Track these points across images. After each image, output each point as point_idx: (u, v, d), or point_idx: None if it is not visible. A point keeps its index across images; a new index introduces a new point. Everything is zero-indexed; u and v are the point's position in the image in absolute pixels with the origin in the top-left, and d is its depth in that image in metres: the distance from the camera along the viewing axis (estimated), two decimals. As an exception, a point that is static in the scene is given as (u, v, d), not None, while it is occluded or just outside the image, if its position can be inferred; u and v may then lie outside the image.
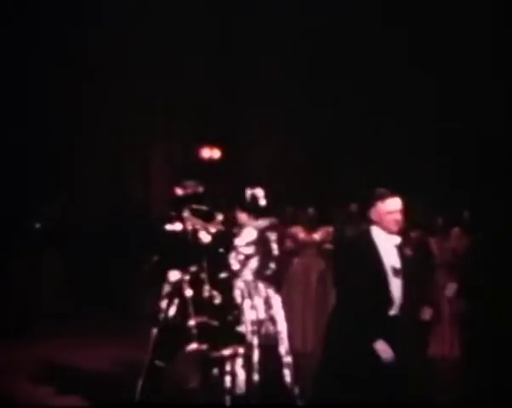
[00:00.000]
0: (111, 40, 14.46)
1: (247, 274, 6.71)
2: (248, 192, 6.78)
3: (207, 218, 6.94)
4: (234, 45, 14.69)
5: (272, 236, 6.79)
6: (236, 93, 14.57)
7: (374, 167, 13.65)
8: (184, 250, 6.83)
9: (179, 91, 14.46)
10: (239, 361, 6.53)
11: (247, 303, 6.66)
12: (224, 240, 6.84)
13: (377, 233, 5.55)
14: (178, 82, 14.38)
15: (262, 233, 6.69)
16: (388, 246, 5.53)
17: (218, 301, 6.84)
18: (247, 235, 6.64)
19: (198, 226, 6.86)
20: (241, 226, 6.70)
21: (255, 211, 6.74)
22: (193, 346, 6.75)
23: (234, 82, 14.64)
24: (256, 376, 6.51)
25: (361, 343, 5.33)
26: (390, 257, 5.49)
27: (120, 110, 14.65)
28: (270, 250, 6.75)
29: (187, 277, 6.78)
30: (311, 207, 10.75)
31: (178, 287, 6.83)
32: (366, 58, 14.06)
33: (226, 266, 6.79)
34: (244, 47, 14.57)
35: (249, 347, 6.58)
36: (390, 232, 5.53)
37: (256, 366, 6.51)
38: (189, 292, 6.76)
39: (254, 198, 6.77)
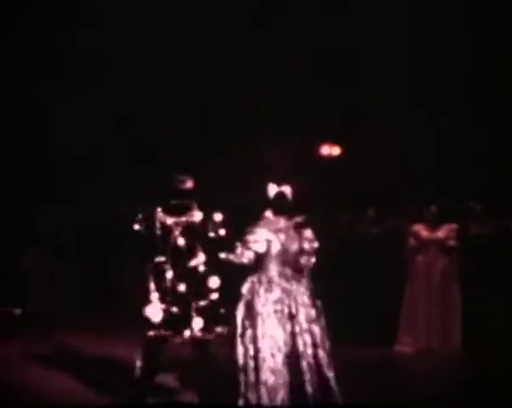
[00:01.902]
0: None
1: (261, 269, 6.58)
2: (275, 189, 6.74)
3: (180, 212, 7.13)
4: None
5: (299, 234, 6.62)
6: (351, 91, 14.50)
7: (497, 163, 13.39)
8: (151, 242, 7.13)
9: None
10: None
11: (253, 298, 6.51)
12: (193, 233, 7.08)
13: None
14: (293, 81, 14.50)
15: (280, 231, 6.59)
16: None
17: (181, 289, 7.06)
18: (258, 232, 6.55)
19: (168, 220, 7.11)
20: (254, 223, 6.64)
21: (280, 209, 6.68)
22: (151, 332, 7.02)
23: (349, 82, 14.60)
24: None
25: None
26: None
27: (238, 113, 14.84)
28: (289, 248, 6.59)
29: (151, 268, 7.12)
30: (434, 204, 10.60)
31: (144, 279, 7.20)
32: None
33: (193, 256, 7.11)
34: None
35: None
36: None
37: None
38: (150, 283, 7.08)
39: (281, 196, 6.72)
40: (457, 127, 14.07)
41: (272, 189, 6.72)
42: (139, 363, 7.08)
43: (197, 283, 7.11)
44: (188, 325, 7.04)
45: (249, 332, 6.43)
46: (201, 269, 7.17)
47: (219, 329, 7.12)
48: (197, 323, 7.06)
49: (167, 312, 7.04)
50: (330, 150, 14.94)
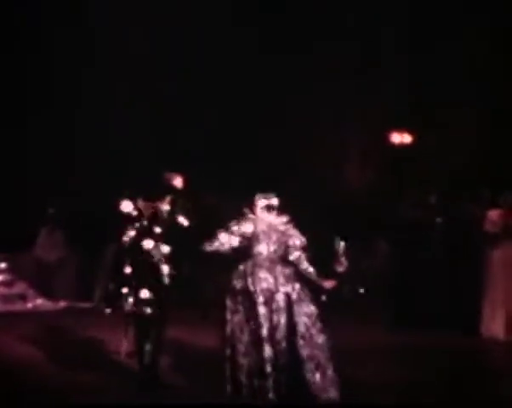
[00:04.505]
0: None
1: (248, 256, 6.97)
2: (264, 203, 7.09)
3: (153, 200, 7.77)
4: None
5: (285, 231, 7.03)
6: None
7: None
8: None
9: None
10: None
11: (240, 283, 6.90)
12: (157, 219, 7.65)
13: None
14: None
15: (263, 222, 7.01)
16: None
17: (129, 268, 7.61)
18: (242, 221, 7.00)
19: (142, 205, 7.74)
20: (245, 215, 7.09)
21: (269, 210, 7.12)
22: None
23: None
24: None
25: None
26: None
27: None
28: (271, 234, 6.98)
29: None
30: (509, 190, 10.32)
31: None
32: None
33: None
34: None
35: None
36: None
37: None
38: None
39: (268, 208, 7.07)
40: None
41: (261, 202, 7.10)
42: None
43: (145, 263, 7.57)
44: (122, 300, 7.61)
45: (235, 316, 6.84)
46: (156, 252, 7.62)
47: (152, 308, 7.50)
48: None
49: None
50: (401, 138, 14.82)
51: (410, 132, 14.83)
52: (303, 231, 7.06)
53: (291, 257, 6.98)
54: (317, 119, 15.31)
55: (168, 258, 7.62)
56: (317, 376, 6.64)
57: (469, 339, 9.83)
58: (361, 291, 13.14)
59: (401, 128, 14.85)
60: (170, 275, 7.59)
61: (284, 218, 7.09)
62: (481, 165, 13.27)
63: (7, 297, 12.68)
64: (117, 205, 7.74)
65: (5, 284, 12.83)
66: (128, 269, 7.59)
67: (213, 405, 6.87)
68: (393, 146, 14.93)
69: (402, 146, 14.85)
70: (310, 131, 15.29)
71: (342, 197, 14.23)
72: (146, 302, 7.47)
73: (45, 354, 8.93)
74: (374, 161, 14.64)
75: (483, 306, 10.22)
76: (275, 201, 7.11)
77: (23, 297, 12.85)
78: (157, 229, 7.61)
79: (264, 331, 6.67)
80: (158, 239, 7.59)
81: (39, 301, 12.97)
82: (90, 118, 15.86)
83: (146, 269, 7.53)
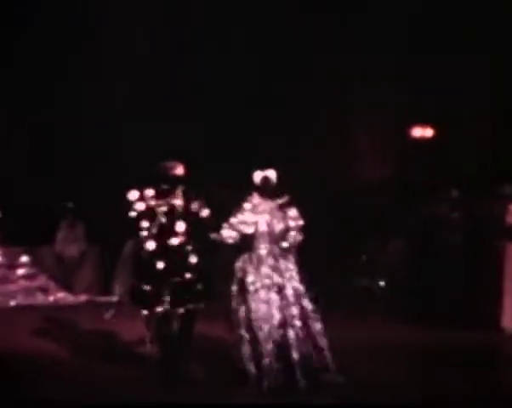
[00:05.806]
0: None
1: (251, 249, 7.16)
2: (260, 175, 7.28)
3: (164, 195, 7.61)
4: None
5: (285, 213, 7.19)
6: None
7: None
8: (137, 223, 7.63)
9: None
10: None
11: (245, 276, 7.10)
12: (174, 214, 7.50)
13: None
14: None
15: (265, 212, 7.17)
16: None
17: (159, 267, 7.42)
18: (244, 214, 7.17)
19: (153, 202, 7.59)
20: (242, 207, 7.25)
21: (265, 192, 7.29)
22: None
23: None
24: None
25: None
26: None
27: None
28: (275, 228, 7.13)
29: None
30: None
31: None
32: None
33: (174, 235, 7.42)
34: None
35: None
36: None
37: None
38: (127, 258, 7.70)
39: (266, 180, 7.27)
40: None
41: (258, 175, 7.28)
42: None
43: (175, 261, 7.47)
44: (159, 300, 7.43)
45: (242, 307, 7.04)
46: (183, 248, 7.54)
47: (190, 305, 7.46)
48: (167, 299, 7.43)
49: (139, 289, 7.54)
50: (423, 132, 14.95)
51: (430, 126, 15.02)
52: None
53: (289, 240, 7.14)
54: (322, 117, 15.38)
55: (193, 253, 7.52)
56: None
57: (490, 334, 9.87)
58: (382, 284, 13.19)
59: (420, 123, 15.05)
60: (196, 270, 7.49)
61: (283, 199, 7.24)
62: (501, 160, 13.40)
63: (29, 290, 12.67)
64: (127, 205, 7.59)
65: (27, 277, 12.86)
66: (159, 266, 7.41)
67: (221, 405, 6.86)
68: (413, 140, 15.14)
69: (423, 140, 15.03)
70: (311, 129, 15.36)
71: (354, 194, 14.35)
72: (173, 299, 7.40)
73: (66, 348, 8.98)
74: (390, 155, 14.76)
75: (504, 300, 10.29)
76: (271, 173, 7.29)
77: (44, 290, 12.86)
78: (179, 225, 7.50)
79: (257, 323, 6.89)
80: (181, 235, 7.48)
81: (60, 294, 12.97)
82: (90, 118, 15.80)
83: (173, 266, 7.44)
